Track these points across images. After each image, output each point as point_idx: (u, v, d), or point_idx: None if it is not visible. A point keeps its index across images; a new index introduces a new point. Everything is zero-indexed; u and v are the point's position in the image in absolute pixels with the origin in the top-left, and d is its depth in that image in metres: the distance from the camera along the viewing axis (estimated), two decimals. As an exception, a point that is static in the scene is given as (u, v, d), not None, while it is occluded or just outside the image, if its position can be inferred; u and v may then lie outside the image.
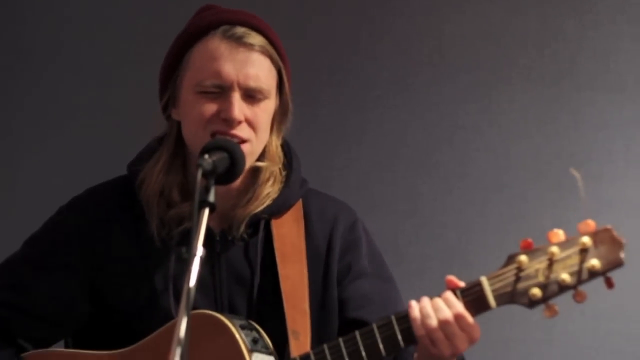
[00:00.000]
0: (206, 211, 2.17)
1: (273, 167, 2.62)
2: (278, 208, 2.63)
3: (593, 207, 3.64)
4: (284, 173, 2.65)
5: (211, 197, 2.18)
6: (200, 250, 2.10)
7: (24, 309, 2.61)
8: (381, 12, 4.12)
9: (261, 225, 2.61)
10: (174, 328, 1.98)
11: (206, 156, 2.28)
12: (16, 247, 2.69)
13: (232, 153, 2.39)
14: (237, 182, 2.58)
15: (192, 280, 2.06)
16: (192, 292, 2.04)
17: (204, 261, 2.43)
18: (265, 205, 2.60)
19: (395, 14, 4.11)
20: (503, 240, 3.81)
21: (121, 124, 4.12)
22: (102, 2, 4.33)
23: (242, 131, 2.52)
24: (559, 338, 3.86)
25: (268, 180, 2.62)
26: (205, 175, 2.23)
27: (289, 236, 2.62)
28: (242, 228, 2.59)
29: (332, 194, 2.79)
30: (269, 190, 2.62)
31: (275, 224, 2.63)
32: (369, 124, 4.10)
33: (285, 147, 2.69)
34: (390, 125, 4.09)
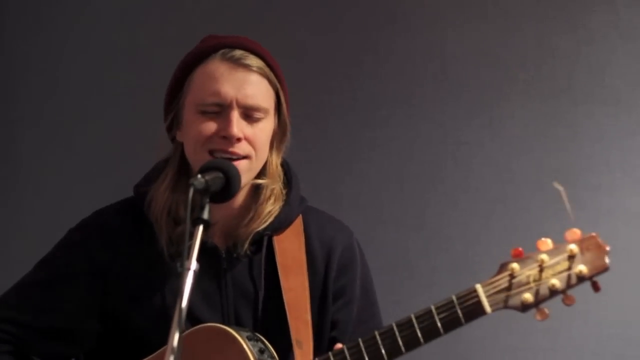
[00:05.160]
0: (200, 227, 2.24)
1: (273, 185, 2.67)
2: (279, 225, 2.68)
3: (592, 217, 3.75)
4: (284, 191, 2.71)
5: (205, 214, 2.25)
6: (194, 265, 2.16)
7: (37, 328, 2.66)
8: (385, 35, 4.16)
9: (264, 241, 2.67)
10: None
11: (199, 176, 2.33)
12: (27, 269, 2.75)
13: (227, 172, 2.44)
14: (240, 200, 2.65)
15: (186, 294, 2.12)
16: (185, 307, 2.11)
17: (211, 277, 2.60)
18: (267, 223, 2.66)
19: (398, 36, 4.15)
20: (508, 251, 3.72)
21: (129, 147, 4.13)
22: (118, 27, 4.38)
23: (241, 148, 2.58)
24: (563, 345, 3.87)
25: (269, 198, 2.67)
26: (199, 193, 2.29)
27: (290, 250, 2.68)
28: (246, 245, 2.65)
29: (343, 210, 2.86)
30: (271, 209, 2.67)
31: (277, 240, 2.68)
32: (377, 141, 4.13)
33: (285, 166, 2.73)
34: (397, 142, 4.12)
